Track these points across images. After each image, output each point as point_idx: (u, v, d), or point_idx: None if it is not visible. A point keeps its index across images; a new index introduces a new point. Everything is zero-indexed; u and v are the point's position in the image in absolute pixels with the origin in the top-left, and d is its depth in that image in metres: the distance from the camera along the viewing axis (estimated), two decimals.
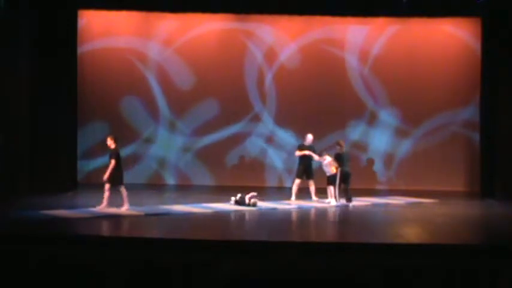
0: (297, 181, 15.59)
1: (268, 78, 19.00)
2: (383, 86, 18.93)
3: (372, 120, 18.99)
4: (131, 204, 14.43)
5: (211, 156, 18.94)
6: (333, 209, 14.89)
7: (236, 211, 14.28)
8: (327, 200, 15.35)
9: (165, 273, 8.09)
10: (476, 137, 18.23)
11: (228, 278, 7.97)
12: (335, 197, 15.21)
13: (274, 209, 14.71)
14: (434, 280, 8.15)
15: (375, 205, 15.67)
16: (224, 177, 18.86)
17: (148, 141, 18.83)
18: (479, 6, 16.88)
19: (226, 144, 18.95)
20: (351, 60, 18.96)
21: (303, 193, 15.79)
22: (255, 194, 14.66)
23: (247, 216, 13.99)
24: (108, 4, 17.99)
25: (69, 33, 17.09)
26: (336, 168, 15.28)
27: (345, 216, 14.12)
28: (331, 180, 15.35)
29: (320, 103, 18.85)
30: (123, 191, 13.67)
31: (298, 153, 15.67)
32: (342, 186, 15.28)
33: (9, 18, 15.31)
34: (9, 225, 11.90)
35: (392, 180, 18.96)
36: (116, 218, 12.94)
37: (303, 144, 15.77)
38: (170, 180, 19.02)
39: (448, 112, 18.87)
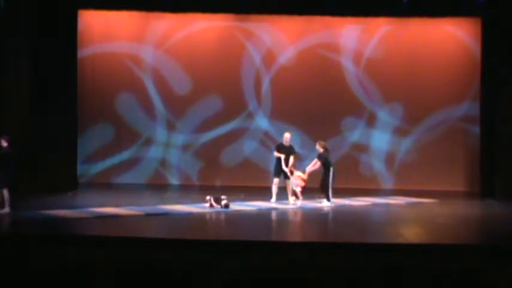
0: (275, 180, 15.27)
1: (266, 79, 18.97)
2: (382, 86, 18.90)
3: (372, 120, 18.97)
4: (131, 204, 14.44)
5: (211, 157, 18.93)
6: (333, 210, 14.90)
7: (236, 211, 14.28)
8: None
9: (165, 273, 8.10)
10: (476, 137, 18.21)
11: (228, 278, 7.97)
12: (328, 198, 15.07)
13: (275, 209, 14.70)
14: (434, 280, 8.15)
15: (375, 205, 15.67)
16: (224, 177, 18.85)
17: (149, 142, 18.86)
18: (479, 6, 16.87)
19: (226, 144, 18.92)
20: (350, 60, 18.93)
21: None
22: (224, 197, 14.49)
23: (247, 217, 13.99)
24: (108, 4, 17.95)
25: (69, 33, 17.08)
26: (305, 181, 15.17)
27: (346, 217, 14.11)
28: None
29: (319, 105, 18.81)
30: (5, 193, 13.21)
31: (276, 154, 15.27)
32: (325, 185, 15.09)
33: (9, 18, 15.30)
34: (9, 225, 11.90)
35: (392, 180, 18.94)
36: (116, 218, 12.93)
37: (282, 144, 15.43)
38: (170, 180, 19.00)
39: (447, 112, 18.85)
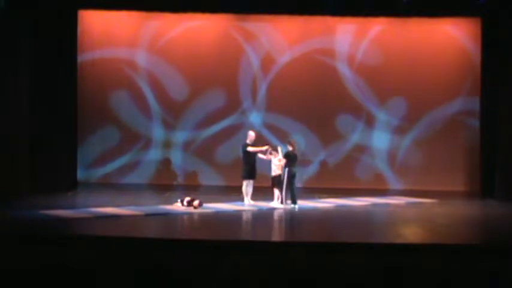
0: (245, 182, 15.12)
1: (264, 80, 18.92)
2: (380, 86, 18.85)
3: (370, 120, 18.92)
4: (132, 204, 14.45)
5: (209, 156, 18.92)
6: (333, 210, 14.90)
7: (237, 211, 14.29)
8: (271, 203, 14.98)
9: (165, 273, 8.10)
10: (476, 137, 18.19)
11: (228, 278, 7.97)
12: (282, 199, 14.82)
13: (274, 209, 14.70)
14: (434, 280, 8.15)
15: (375, 205, 15.67)
16: (222, 177, 18.83)
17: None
18: (479, 7, 16.87)
19: (222, 144, 18.82)
20: (347, 60, 18.88)
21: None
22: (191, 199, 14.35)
23: (247, 216, 14.00)
24: (108, 4, 17.93)
25: (69, 33, 17.08)
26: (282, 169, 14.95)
27: (346, 217, 14.11)
28: (276, 181, 14.94)
29: (317, 107, 18.73)
30: None
31: (251, 149, 15.02)
32: (290, 186, 14.83)
33: (9, 18, 15.30)
34: (9, 225, 11.90)
35: (392, 180, 18.91)
36: (116, 218, 12.93)
37: (246, 143, 15.24)
38: (170, 180, 18.98)
39: (447, 112, 18.80)
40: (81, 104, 17.98)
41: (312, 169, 18.83)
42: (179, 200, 14.51)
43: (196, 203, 14.28)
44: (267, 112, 18.94)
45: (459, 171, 18.75)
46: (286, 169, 14.80)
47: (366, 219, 13.71)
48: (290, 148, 15.05)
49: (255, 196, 15.21)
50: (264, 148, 15.15)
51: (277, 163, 14.96)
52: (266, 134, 18.53)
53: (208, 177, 18.89)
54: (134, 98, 18.88)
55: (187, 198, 14.41)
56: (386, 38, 18.85)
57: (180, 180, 18.85)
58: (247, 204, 14.96)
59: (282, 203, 14.82)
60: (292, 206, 14.74)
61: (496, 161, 16.95)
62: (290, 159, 14.89)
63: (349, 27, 18.88)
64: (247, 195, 15.10)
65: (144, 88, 18.90)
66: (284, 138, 18.30)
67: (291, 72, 18.85)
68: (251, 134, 15.35)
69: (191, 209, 14.10)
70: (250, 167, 15.11)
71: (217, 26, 18.86)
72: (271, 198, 15.04)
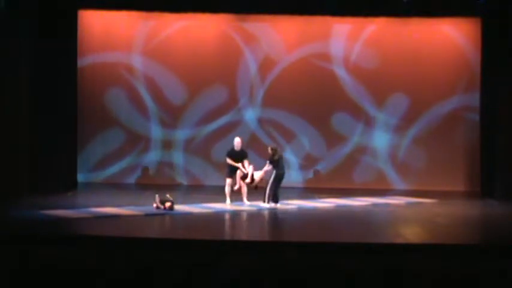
0: (228, 181, 15.09)
1: (262, 82, 18.93)
2: (380, 86, 18.84)
3: (370, 121, 18.90)
4: (131, 204, 14.44)
5: (209, 156, 18.93)
6: (333, 210, 14.89)
7: (236, 211, 14.28)
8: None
9: (165, 273, 8.10)
10: (476, 136, 18.19)
11: (228, 278, 7.98)
12: (266, 199, 14.83)
13: (275, 208, 14.70)
14: (433, 280, 8.15)
15: (375, 205, 15.67)
16: (220, 177, 18.82)
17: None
18: (480, 7, 16.87)
19: (219, 144, 18.83)
20: (346, 61, 18.85)
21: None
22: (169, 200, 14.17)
23: (247, 216, 14.00)
24: (108, 4, 17.93)
25: (69, 34, 17.09)
26: (265, 173, 15.00)
27: (346, 217, 14.12)
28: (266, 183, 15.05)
29: (317, 108, 18.76)
30: None
31: (229, 161, 15.07)
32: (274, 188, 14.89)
33: (9, 18, 15.30)
34: (9, 225, 11.91)
35: (392, 180, 18.91)
36: (116, 218, 12.94)
37: (233, 149, 15.22)
38: (171, 180, 18.99)
39: (446, 110, 18.81)
40: (81, 105, 17.99)
41: (313, 170, 18.85)
42: (156, 202, 14.28)
43: (168, 204, 14.03)
44: (265, 112, 18.94)
45: (459, 171, 18.74)
46: (274, 171, 14.85)
47: (366, 219, 13.71)
48: (271, 153, 15.04)
49: (254, 196, 15.21)
50: (243, 171, 15.05)
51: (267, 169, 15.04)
52: (264, 135, 18.57)
53: (208, 177, 18.89)
54: (133, 98, 18.88)
55: (165, 201, 14.12)
56: (386, 38, 18.84)
57: (179, 176, 18.87)
58: (228, 204, 14.89)
59: (265, 202, 14.82)
60: (273, 204, 14.74)
61: (496, 160, 16.95)
62: (274, 163, 14.91)
63: (348, 28, 18.86)
64: (228, 195, 15.01)
65: (143, 89, 18.90)
66: (285, 138, 18.44)
67: (290, 73, 18.85)
68: (237, 141, 15.24)
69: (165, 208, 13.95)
70: (232, 167, 15.09)
71: (216, 26, 18.85)
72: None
